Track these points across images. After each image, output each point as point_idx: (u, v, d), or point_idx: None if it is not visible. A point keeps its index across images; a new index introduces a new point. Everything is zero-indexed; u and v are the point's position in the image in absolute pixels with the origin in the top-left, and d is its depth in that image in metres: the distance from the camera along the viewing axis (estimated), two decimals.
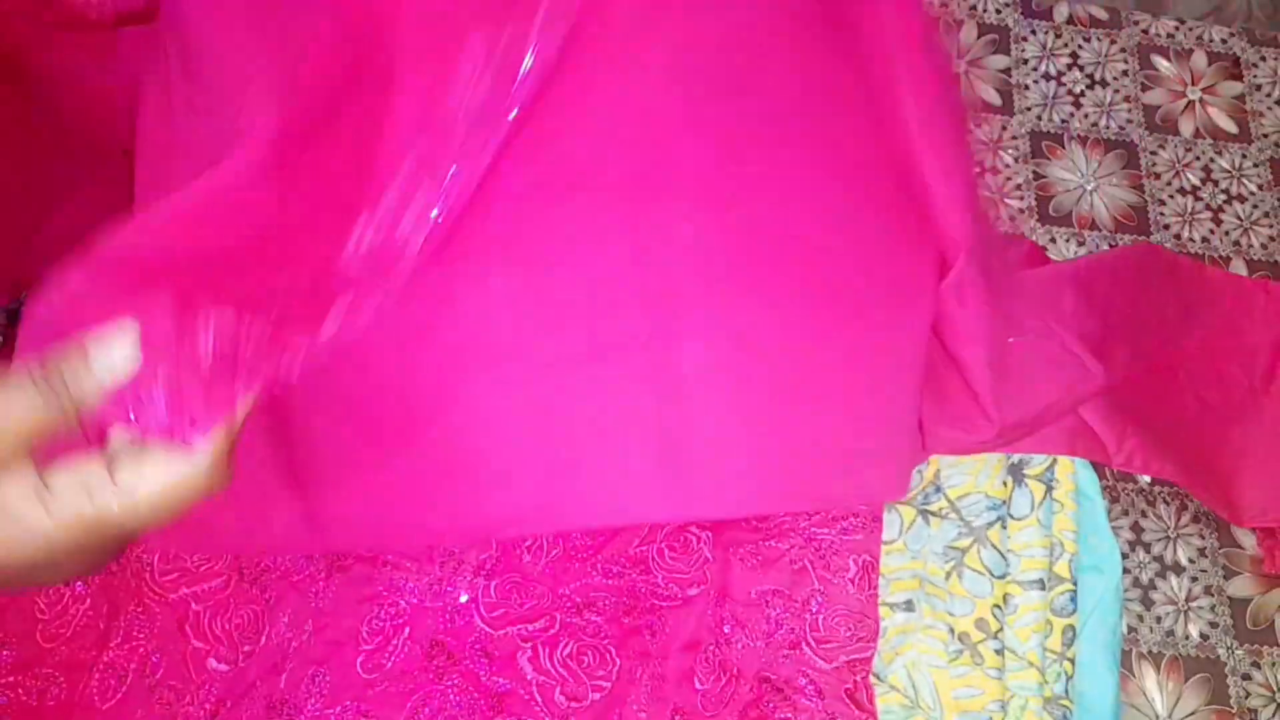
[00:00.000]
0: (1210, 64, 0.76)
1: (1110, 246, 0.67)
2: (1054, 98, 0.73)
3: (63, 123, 0.57)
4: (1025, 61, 0.74)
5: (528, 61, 0.36)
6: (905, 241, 0.46)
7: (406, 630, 0.50)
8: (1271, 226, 0.67)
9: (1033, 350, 0.56)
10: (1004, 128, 0.71)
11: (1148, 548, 0.59)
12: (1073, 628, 0.52)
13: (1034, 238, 0.67)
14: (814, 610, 0.51)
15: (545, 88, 0.36)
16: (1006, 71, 0.73)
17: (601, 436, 0.44)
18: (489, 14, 0.35)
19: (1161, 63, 0.75)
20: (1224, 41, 0.77)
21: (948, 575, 0.53)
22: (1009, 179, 0.69)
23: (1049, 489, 0.55)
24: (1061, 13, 0.76)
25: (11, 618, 0.50)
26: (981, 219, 0.48)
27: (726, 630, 0.51)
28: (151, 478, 0.30)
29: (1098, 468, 0.57)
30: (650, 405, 0.43)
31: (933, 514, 0.55)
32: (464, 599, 0.51)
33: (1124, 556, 0.57)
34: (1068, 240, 0.67)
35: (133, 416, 0.29)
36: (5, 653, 0.49)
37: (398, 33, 0.36)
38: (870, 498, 0.53)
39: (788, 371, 0.45)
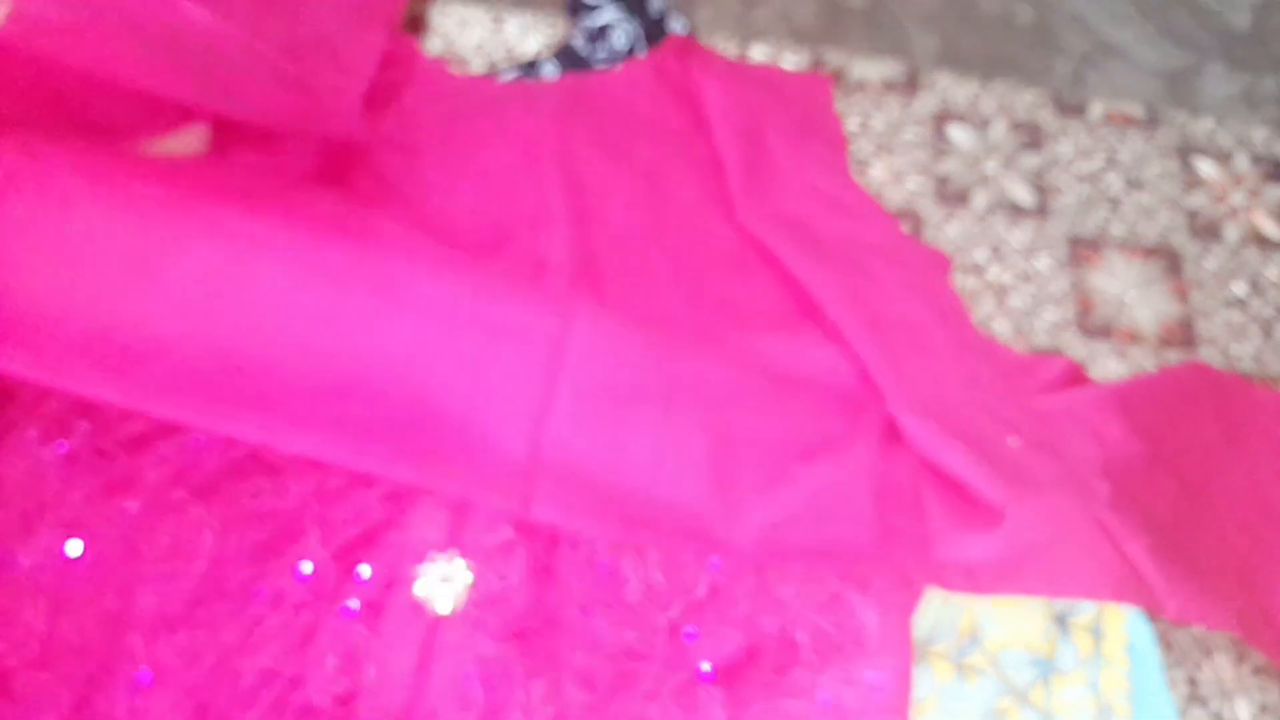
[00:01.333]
0: (1253, 165, 0.72)
1: (1156, 363, 0.62)
2: (1090, 201, 0.69)
3: None
4: (1058, 162, 0.70)
5: None
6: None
7: None
8: None
9: (1034, 461, 0.53)
10: (1039, 231, 0.67)
11: (1204, 703, 0.53)
12: None
13: (1072, 352, 0.62)
14: None
15: None
16: (1039, 172, 0.70)
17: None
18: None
19: (1202, 165, 0.71)
20: (1265, 143, 0.73)
21: None
22: (1044, 287, 0.65)
23: (1097, 641, 0.50)
24: (1095, 111, 0.73)
25: None
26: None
27: None
28: None
29: (1151, 615, 0.52)
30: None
31: (970, 669, 0.49)
32: None
33: (1179, 713, 0.51)
34: (1109, 355, 0.62)
35: None
36: None
37: None
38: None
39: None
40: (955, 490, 0.51)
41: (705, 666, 0.48)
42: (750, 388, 0.53)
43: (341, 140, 0.57)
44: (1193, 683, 0.54)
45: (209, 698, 0.47)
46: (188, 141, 0.47)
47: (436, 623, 0.48)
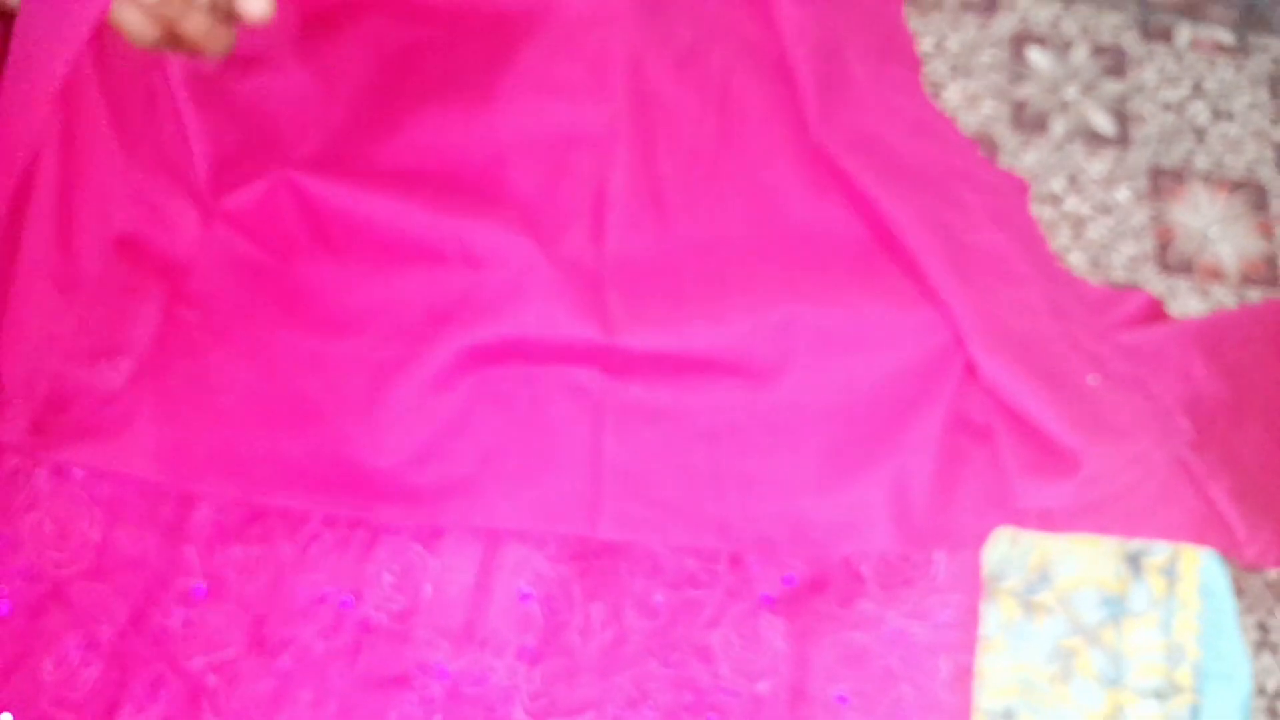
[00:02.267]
0: None
1: (1237, 301, 0.60)
2: (1174, 131, 0.66)
3: None
4: (1142, 89, 0.67)
5: None
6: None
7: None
8: None
9: (1115, 401, 0.50)
10: (1119, 161, 0.64)
11: (1275, 650, 0.52)
12: None
13: (1151, 288, 0.60)
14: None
15: None
16: (1121, 99, 0.66)
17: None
18: None
19: None
20: None
21: (1053, 681, 0.47)
22: (1123, 220, 0.63)
23: (1171, 583, 0.49)
24: (1183, 36, 0.69)
25: (16, 681, 0.45)
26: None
27: None
28: None
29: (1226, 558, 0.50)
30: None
31: (1039, 607, 0.48)
32: (503, 684, 0.45)
33: (1250, 659, 0.50)
34: (1189, 293, 0.60)
35: None
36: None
37: None
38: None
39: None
40: (1032, 434, 0.49)
41: (767, 592, 0.47)
42: (804, 373, 0.51)
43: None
44: (1263, 629, 0.53)
45: (265, 612, 0.47)
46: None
47: (495, 543, 0.47)
